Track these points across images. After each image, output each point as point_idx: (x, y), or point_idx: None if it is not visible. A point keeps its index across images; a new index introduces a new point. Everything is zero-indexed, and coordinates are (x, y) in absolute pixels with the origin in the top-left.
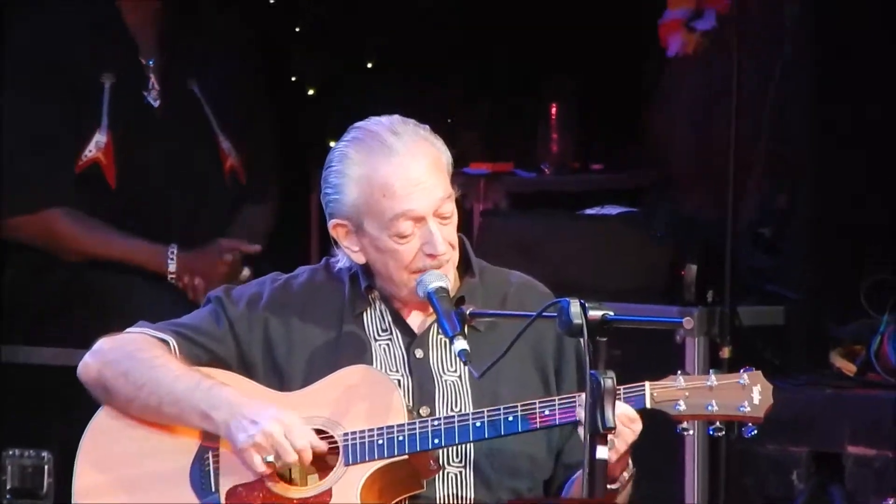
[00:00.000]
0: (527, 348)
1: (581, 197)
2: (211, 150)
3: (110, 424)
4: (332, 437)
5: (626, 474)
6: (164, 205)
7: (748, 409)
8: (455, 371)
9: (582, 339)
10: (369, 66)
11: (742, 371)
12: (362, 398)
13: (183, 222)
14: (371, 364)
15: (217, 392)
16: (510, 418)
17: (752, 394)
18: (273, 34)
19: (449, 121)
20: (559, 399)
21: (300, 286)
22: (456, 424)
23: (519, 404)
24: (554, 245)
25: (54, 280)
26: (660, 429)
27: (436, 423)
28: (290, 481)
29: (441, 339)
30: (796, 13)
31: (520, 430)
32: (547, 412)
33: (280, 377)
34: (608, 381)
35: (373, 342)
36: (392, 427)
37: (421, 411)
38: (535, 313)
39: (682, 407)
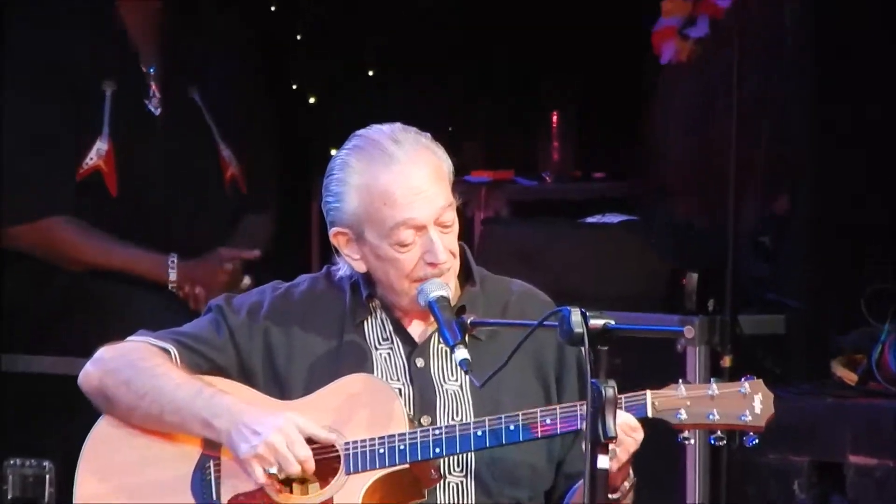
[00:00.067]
0: (528, 357)
1: (582, 205)
2: (212, 159)
3: (111, 433)
4: (333, 445)
5: (627, 483)
6: (165, 213)
7: (749, 418)
8: (456, 380)
9: (583, 348)
10: (370, 73)
11: (743, 380)
12: (363, 407)
13: (183, 231)
14: (372, 373)
15: (219, 400)
16: (511, 427)
17: (753, 403)
18: (273, 34)
19: (450, 129)
20: (560, 408)
21: (301, 295)
22: (457, 433)
23: (520, 413)
24: (555, 253)
25: (54, 288)
26: (661, 438)
27: (437, 431)
28: (291, 489)
29: (442, 347)
30: (796, 13)
31: (521, 439)
32: (548, 421)
33: (281, 386)
34: (609, 390)
35: (374, 351)
36: (393, 436)
37: (422, 420)
38: (536, 322)
39: (684, 416)
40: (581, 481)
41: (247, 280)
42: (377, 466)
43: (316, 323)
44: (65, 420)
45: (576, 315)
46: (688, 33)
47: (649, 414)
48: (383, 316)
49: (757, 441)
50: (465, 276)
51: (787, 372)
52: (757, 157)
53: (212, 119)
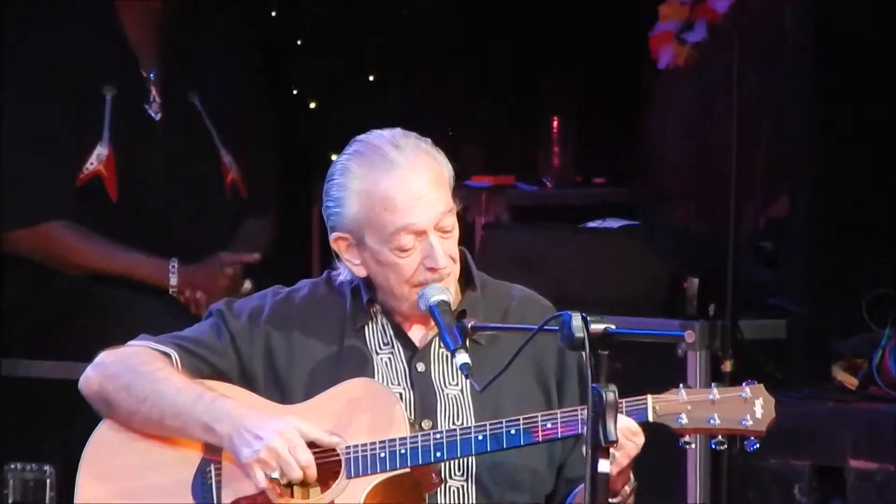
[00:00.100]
0: (528, 362)
1: (583, 210)
2: (212, 164)
3: (112, 437)
4: (334, 449)
5: (627, 488)
6: (165, 218)
7: (750, 422)
8: (457, 384)
9: (584, 353)
10: (371, 78)
11: (744, 384)
12: (364, 411)
13: (184, 236)
14: (373, 377)
15: (220, 405)
16: (512, 431)
17: (754, 407)
18: (273, 34)
19: (450, 132)
20: (561, 412)
21: (302, 299)
22: (458, 438)
23: (521, 417)
24: (556, 258)
25: (55, 293)
26: (662, 442)
27: (438, 436)
28: (292, 493)
29: (443, 352)
30: (796, 13)
31: (522, 443)
32: (549, 425)
33: (281, 390)
34: (610, 394)
35: (374, 356)
36: (394, 440)
37: (423, 424)
38: (536, 327)
39: (685, 420)
40: (582, 485)
41: (247, 284)
42: (378, 470)
43: (317, 328)
44: (65, 424)
45: (576, 319)
46: (685, 38)
47: (650, 418)
48: (384, 321)
49: (758, 445)
50: (466, 280)
51: (788, 376)
52: (757, 158)
53: (212, 123)
